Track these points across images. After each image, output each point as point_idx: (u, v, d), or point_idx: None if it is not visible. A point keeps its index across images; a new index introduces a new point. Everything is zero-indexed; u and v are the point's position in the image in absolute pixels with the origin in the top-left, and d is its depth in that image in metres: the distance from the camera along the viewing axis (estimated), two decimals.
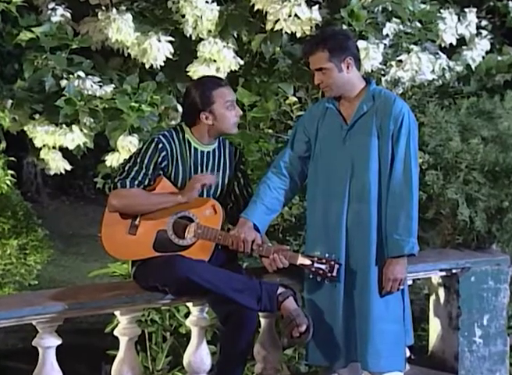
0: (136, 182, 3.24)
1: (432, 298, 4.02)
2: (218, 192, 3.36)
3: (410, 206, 3.17)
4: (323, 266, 3.16)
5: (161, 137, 3.29)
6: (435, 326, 4.00)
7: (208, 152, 3.35)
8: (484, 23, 5.08)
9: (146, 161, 3.25)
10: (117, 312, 3.32)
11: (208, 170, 3.34)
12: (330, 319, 3.25)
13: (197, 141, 3.33)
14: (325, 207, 3.25)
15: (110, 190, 3.26)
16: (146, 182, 3.25)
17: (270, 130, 4.51)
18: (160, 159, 3.26)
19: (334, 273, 3.15)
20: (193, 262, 3.15)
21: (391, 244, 3.17)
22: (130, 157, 3.32)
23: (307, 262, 3.18)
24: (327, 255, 3.17)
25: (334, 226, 3.22)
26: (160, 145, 3.26)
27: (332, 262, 3.15)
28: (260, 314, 3.43)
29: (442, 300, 3.95)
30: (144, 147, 3.28)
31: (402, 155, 3.17)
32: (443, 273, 3.87)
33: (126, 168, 3.26)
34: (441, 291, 3.95)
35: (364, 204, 3.19)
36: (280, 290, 3.21)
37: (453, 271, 3.85)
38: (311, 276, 3.20)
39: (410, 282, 3.72)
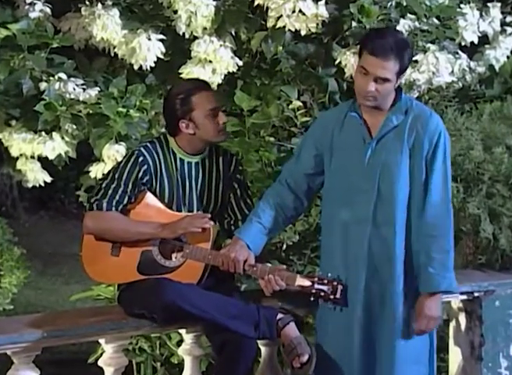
0: (114, 202, 3.25)
1: (452, 324, 4.03)
2: (212, 206, 3.37)
3: (449, 237, 3.15)
4: (324, 288, 3.14)
5: (141, 149, 3.31)
6: (455, 356, 4.00)
7: (197, 163, 3.36)
8: (509, 19, 5.08)
9: (124, 177, 3.26)
10: (102, 340, 3.33)
11: (198, 182, 3.35)
12: (345, 362, 3.21)
13: (182, 152, 3.34)
14: (345, 232, 3.19)
15: (86, 210, 3.28)
16: (125, 201, 3.26)
17: (271, 138, 4.52)
18: (141, 174, 3.27)
19: (337, 295, 3.12)
20: (181, 287, 3.15)
21: (425, 279, 3.13)
22: (109, 172, 3.34)
23: (307, 283, 3.16)
24: (329, 274, 3.15)
25: (355, 254, 3.17)
26: (140, 159, 3.28)
27: (335, 283, 3.13)
28: (260, 342, 3.44)
29: (463, 327, 3.95)
30: (123, 161, 3.31)
31: (439, 180, 3.12)
32: (464, 297, 3.87)
33: (103, 185, 3.28)
34: (462, 317, 3.96)
35: (391, 231, 3.14)
36: (280, 315, 3.21)
37: (476, 294, 3.86)
38: (311, 299, 3.16)
39: None
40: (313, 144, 3.29)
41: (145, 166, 3.29)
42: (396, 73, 3.08)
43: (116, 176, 3.28)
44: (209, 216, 3.25)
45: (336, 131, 3.24)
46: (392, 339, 3.16)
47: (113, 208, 3.25)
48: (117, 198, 3.26)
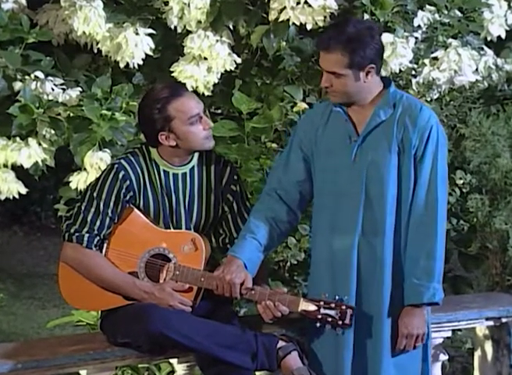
0: (96, 229, 3.25)
1: (477, 354, 4.03)
2: (203, 221, 3.38)
3: (434, 243, 3.18)
4: (332, 312, 3.14)
5: (122, 162, 3.31)
6: None
7: (184, 174, 3.36)
8: None
9: (104, 196, 3.26)
10: (83, 372, 3.33)
11: (186, 195, 3.34)
12: None
13: (165, 163, 3.33)
14: (332, 240, 3.24)
15: (64, 237, 3.28)
16: (107, 223, 3.26)
17: (274, 145, 4.53)
18: (123, 191, 3.27)
19: (346, 321, 3.13)
20: (168, 314, 3.16)
21: (408, 290, 3.18)
22: (86, 190, 3.32)
23: (312, 307, 3.16)
24: (337, 297, 3.16)
25: (342, 264, 3.22)
26: (121, 174, 3.28)
27: (344, 307, 3.14)
28: (260, 374, 3.43)
29: (489, 357, 3.96)
30: (101, 177, 3.30)
31: (426, 178, 3.17)
32: (491, 323, 3.88)
33: (82, 209, 3.27)
34: (488, 346, 3.96)
35: (380, 237, 3.19)
36: (281, 343, 3.22)
37: (503, 320, 3.87)
38: (318, 325, 3.18)
39: (449, 333, 3.74)
40: (298, 146, 3.33)
41: (127, 182, 3.28)
42: (349, 67, 3.12)
43: (95, 195, 3.28)
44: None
45: (320, 129, 3.29)
46: (379, 356, 3.20)
47: (96, 240, 3.25)
48: (98, 224, 3.26)
